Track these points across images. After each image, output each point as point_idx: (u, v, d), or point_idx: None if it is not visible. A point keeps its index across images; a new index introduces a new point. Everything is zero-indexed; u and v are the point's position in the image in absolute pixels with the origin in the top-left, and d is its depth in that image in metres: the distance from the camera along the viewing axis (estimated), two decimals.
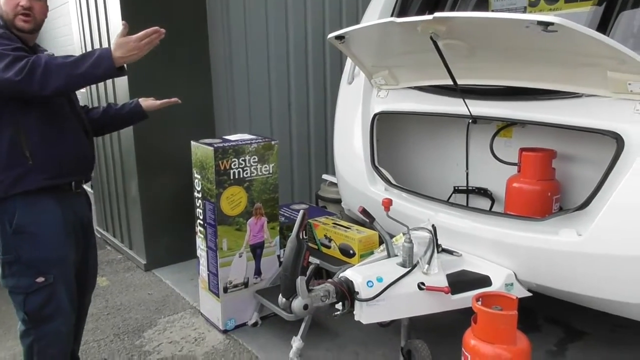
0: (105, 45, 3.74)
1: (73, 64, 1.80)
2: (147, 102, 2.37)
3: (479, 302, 1.72)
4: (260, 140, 2.76)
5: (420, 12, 2.73)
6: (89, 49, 4.03)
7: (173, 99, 2.40)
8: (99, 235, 4.51)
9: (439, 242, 2.09)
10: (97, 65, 1.81)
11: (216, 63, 3.81)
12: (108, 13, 3.60)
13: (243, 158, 2.67)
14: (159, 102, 2.38)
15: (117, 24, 3.45)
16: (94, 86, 4.06)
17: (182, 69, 3.61)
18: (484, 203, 2.65)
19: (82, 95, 4.00)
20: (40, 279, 1.95)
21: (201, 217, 2.79)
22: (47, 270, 1.96)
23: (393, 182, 2.61)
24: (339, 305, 1.91)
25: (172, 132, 3.48)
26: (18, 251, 1.92)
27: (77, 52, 4.25)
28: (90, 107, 2.39)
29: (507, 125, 2.48)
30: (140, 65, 3.36)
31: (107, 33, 3.70)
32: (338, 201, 3.31)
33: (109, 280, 3.67)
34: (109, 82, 3.79)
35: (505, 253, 2.14)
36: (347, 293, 1.88)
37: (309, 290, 1.81)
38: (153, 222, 3.70)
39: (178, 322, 3.03)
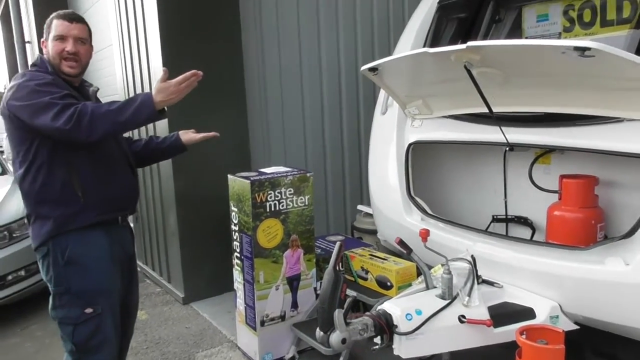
0: (146, 85, 3.91)
1: (117, 111, 1.88)
2: (187, 136, 2.42)
3: (524, 336, 1.66)
4: (296, 173, 2.79)
5: (453, 42, 2.73)
6: (132, 89, 4.22)
7: (212, 133, 2.44)
8: (138, 269, 4.59)
9: (479, 273, 2.04)
10: (140, 112, 1.90)
11: (251, 98, 3.91)
12: (150, 56, 3.78)
13: (279, 190, 2.70)
14: (198, 136, 2.42)
15: (158, 66, 3.61)
16: None
17: (219, 105, 3.72)
18: (524, 232, 2.57)
19: None
20: (89, 310, 2.01)
21: (238, 250, 2.81)
22: (95, 302, 2.02)
23: (430, 212, 2.57)
24: (377, 339, 1.87)
25: (209, 166, 3.57)
26: (69, 282, 2.00)
27: (120, 91, 4.45)
28: (133, 139, 2.48)
29: (545, 152, 2.43)
30: (181, 102, 3.50)
31: (148, 74, 3.86)
32: (374, 232, 3.28)
33: (147, 314, 3.71)
34: None
35: (549, 284, 2.06)
36: (386, 326, 1.84)
37: (347, 324, 1.78)
38: (191, 255, 3.76)
39: (216, 356, 3.02)
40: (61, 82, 2.01)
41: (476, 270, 2.00)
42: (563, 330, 1.66)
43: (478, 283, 1.99)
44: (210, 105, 3.66)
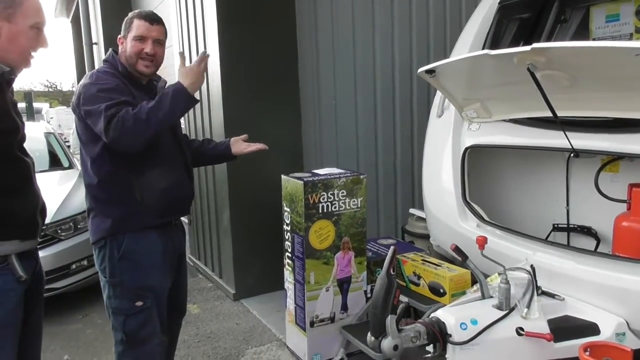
0: (203, 88, 4.01)
1: (155, 110, 1.93)
2: (237, 146, 2.41)
3: (587, 353, 1.58)
4: (349, 174, 2.78)
5: (514, 43, 2.65)
6: None
7: (261, 145, 2.42)
8: (191, 264, 4.73)
9: (538, 284, 1.96)
10: (176, 100, 1.95)
11: (305, 99, 3.94)
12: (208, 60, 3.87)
13: (332, 192, 2.70)
14: (247, 150, 2.40)
15: (215, 70, 3.70)
16: (191, 121, 4.34)
17: (273, 106, 3.78)
18: (587, 243, 2.46)
19: None
20: (139, 303, 2.09)
21: (289, 250, 2.84)
22: (145, 296, 2.10)
23: (486, 218, 2.50)
24: (429, 348, 1.84)
25: (262, 166, 3.61)
26: (122, 275, 2.08)
27: None
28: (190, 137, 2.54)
29: (613, 159, 2.30)
30: (236, 104, 3.57)
31: (205, 77, 3.95)
32: (426, 236, 3.22)
33: (200, 308, 3.81)
34: (205, 118, 4.05)
35: (615, 298, 1.95)
36: (439, 335, 1.80)
37: (399, 330, 1.76)
38: (243, 253, 3.82)
39: (265, 354, 3.06)
40: (123, 87, 2.04)
41: (536, 281, 1.92)
42: (631, 350, 1.56)
43: (538, 294, 1.91)
44: (265, 107, 3.72)
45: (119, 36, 2.14)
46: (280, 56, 3.80)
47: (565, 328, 1.89)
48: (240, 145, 2.42)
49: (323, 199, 2.68)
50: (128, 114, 1.90)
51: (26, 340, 1.85)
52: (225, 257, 4.04)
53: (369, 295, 2.84)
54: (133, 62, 2.09)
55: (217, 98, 3.77)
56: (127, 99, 2.00)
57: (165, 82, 2.25)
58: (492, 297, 1.97)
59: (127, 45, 2.10)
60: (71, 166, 5.06)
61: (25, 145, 1.81)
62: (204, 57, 2.06)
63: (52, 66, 59.44)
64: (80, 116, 2.03)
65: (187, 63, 2.07)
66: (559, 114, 2.09)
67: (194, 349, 3.17)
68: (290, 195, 2.77)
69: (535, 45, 1.79)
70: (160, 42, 2.12)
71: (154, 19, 2.11)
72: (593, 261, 2.04)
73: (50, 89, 34.25)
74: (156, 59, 2.12)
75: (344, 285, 2.80)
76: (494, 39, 2.69)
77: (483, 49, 2.60)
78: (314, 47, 3.91)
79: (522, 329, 1.81)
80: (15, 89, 1.85)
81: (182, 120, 2.46)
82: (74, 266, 3.87)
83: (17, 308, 1.74)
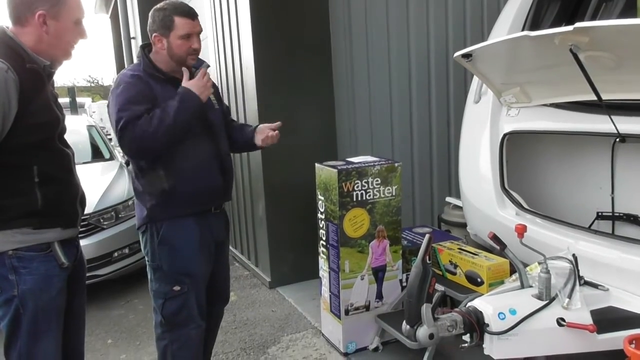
0: (238, 77, 4.04)
1: (161, 118, 1.97)
2: (262, 136, 2.34)
3: (633, 345, 1.52)
4: (384, 162, 2.75)
5: (555, 24, 2.54)
6: (224, 81, 4.38)
7: (274, 134, 2.34)
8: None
9: (581, 274, 1.89)
10: (184, 103, 2.01)
11: (339, 87, 3.91)
12: (242, 49, 3.91)
13: (366, 180, 2.67)
14: (269, 140, 2.34)
15: (249, 59, 3.73)
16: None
17: (307, 94, 3.77)
18: (634, 231, 2.36)
19: None
20: (177, 288, 2.15)
21: (324, 238, 2.84)
22: (182, 281, 2.15)
23: (526, 206, 2.43)
24: (466, 337, 1.80)
25: (297, 155, 3.62)
26: (161, 260, 2.14)
27: (214, 79, 4.64)
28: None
29: None
30: (269, 94, 3.59)
31: (240, 67, 3.99)
32: (462, 225, 3.17)
33: (236, 295, 3.87)
34: (240, 109, 4.08)
35: None
36: (476, 324, 1.76)
37: (435, 319, 1.73)
38: (278, 241, 3.86)
39: (300, 341, 3.09)
40: (145, 92, 2.03)
41: (578, 271, 1.86)
42: None
43: (580, 284, 1.85)
44: (298, 96, 3.72)
45: (154, 34, 2.08)
46: (313, 45, 3.78)
47: (609, 319, 1.82)
48: (265, 136, 2.33)
49: (357, 187, 2.66)
50: (136, 130, 1.95)
51: (71, 325, 1.93)
52: (261, 246, 4.08)
53: (404, 284, 2.82)
54: (183, 60, 2.11)
55: (251, 88, 3.79)
56: (142, 109, 1.99)
57: (208, 66, 2.22)
58: (531, 286, 1.91)
59: (171, 44, 2.07)
60: (112, 157, 5.21)
61: (67, 137, 1.88)
62: (205, 71, 2.12)
63: (93, 62, 61.34)
64: None
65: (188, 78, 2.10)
66: (604, 97, 2.00)
67: (230, 335, 3.23)
68: (324, 184, 2.77)
69: (578, 24, 1.71)
70: (199, 34, 2.15)
71: (194, 14, 2.10)
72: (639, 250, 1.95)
73: (92, 84, 35.30)
74: (199, 51, 2.16)
75: (379, 273, 2.78)
76: (534, 20, 2.60)
77: (522, 30, 2.51)
78: (348, 34, 3.87)
79: (563, 319, 1.75)
80: (59, 85, 1.91)
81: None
82: (115, 254, 3.99)
83: (60, 294, 1.81)
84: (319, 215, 2.87)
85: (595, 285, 1.98)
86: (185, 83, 2.08)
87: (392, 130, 4.06)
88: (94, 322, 3.48)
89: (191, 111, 2.04)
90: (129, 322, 3.58)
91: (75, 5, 1.77)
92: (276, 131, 2.35)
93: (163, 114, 1.98)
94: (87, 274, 2.15)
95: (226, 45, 4.24)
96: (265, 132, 2.34)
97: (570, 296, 1.81)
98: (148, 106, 2.02)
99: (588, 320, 1.77)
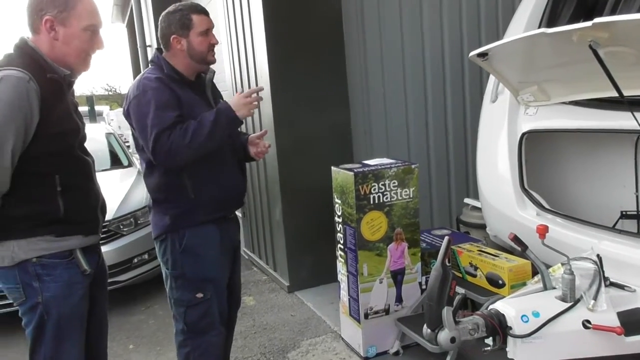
0: (252, 82, 4.06)
1: (197, 132, 1.96)
2: (253, 148, 2.32)
3: None
4: (400, 164, 2.73)
5: (573, 21, 2.50)
6: (239, 85, 4.40)
7: (264, 144, 2.35)
8: (246, 257, 4.82)
9: (606, 275, 1.85)
10: (220, 119, 2.00)
11: (353, 90, 3.90)
12: (256, 53, 3.92)
13: (383, 182, 2.66)
14: (260, 148, 2.33)
15: (264, 63, 3.74)
16: None
17: (321, 97, 3.76)
18: None
19: None
20: (200, 295, 2.14)
21: (342, 242, 2.82)
22: (205, 288, 2.15)
23: (547, 206, 2.39)
24: (488, 340, 1.77)
25: (312, 158, 3.62)
26: (184, 268, 2.14)
27: (229, 88, 4.67)
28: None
29: None
30: (284, 97, 3.59)
31: (254, 72, 4.00)
32: (482, 226, 3.12)
33: (255, 300, 3.87)
34: (255, 112, 4.08)
35: None
36: (499, 327, 1.73)
37: (456, 322, 1.70)
38: (295, 245, 3.85)
39: (320, 345, 3.07)
40: (170, 96, 2.02)
41: (603, 272, 1.81)
42: None
43: (605, 285, 1.80)
44: (313, 99, 3.72)
45: (172, 36, 2.09)
46: (327, 47, 3.78)
47: (637, 321, 1.77)
48: (255, 146, 2.32)
49: (374, 189, 2.65)
50: (169, 141, 1.94)
51: (93, 330, 1.95)
52: (279, 250, 4.08)
53: (423, 287, 2.79)
54: (204, 56, 2.12)
55: (266, 91, 3.80)
56: (173, 116, 1.99)
57: (214, 72, 2.26)
58: (554, 288, 1.87)
59: (191, 43, 2.09)
60: (130, 164, 5.27)
61: (87, 145, 1.90)
62: (255, 89, 2.13)
63: (111, 70, 62.24)
64: (132, 126, 2.09)
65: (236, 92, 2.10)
66: (626, 93, 1.95)
67: (250, 340, 3.23)
68: (340, 187, 2.76)
69: (597, 20, 1.67)
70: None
71: (207, 11, 2.16)
72: None
73: (110, 93, 35.85)
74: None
75: (397, 276, 2.76)
76: (551, 17, 2.55)
77: (539, 28, 2.47)
78: (361, 35, 3.85)
79: (589, 321, 1.71)
80: (78, 94, 1.93)
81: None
82: (135, 260, 4.03)
83: (83, 300, 1.83)
84: (336, 219, 2.85)
85: (621, 287, 1.92)
86: (230, 99, 2.10)
87: (407, 132, 4.03)
88: (115, 328, 3.51)
89: (226, 128, 2.05)
90: (150, 328, 3.61)
91: (86, 12, 1.76)
92: (266, 143, 2.34)
93: (199, 128, 1.98)
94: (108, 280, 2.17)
95: (240, 53, 4.27)
96: (255, 144, 2.33)
97: (595, 298, 1.76)
98: (178, 112, 2.01)
99: (615, 322, 1.72)
